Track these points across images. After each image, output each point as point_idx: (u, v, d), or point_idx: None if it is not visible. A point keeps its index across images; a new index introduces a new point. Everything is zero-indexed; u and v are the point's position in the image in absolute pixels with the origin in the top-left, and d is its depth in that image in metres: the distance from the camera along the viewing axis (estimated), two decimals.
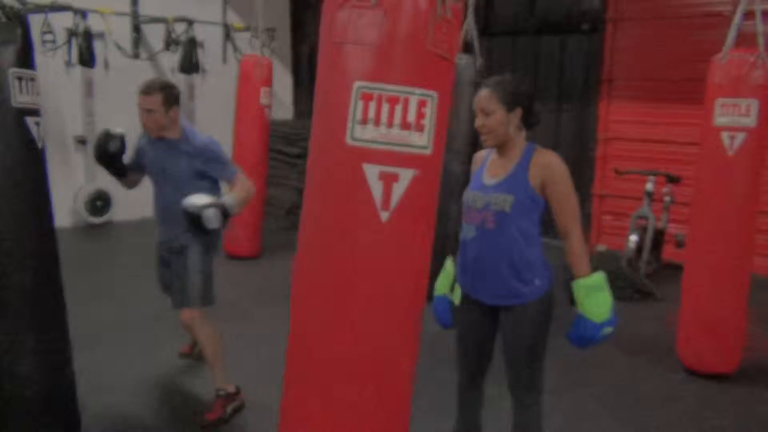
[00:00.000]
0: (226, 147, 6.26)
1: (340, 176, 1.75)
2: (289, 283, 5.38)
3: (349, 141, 1.71)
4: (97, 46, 6.81)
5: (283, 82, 8.93)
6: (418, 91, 1.70)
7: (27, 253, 2.56)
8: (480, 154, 2.59)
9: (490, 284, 2.42)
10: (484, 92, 2.37)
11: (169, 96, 3.21)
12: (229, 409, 3.33)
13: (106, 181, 7.25)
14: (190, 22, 7.23)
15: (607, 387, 3.84)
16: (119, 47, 6.95)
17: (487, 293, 2.44)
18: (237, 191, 3.22)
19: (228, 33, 8.04)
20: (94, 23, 6.70)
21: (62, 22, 6.54)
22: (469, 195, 2.45)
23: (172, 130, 3.25)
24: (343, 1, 1.72)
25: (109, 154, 3.30)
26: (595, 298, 2.29)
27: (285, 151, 7.89)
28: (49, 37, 6.39)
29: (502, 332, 2.49)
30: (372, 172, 1.71)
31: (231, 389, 3.38)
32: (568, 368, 3.90)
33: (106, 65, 6.90)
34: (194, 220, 2.99)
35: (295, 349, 1.92)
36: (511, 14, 7.59)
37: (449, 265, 2.58)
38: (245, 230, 6.17)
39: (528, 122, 2.41)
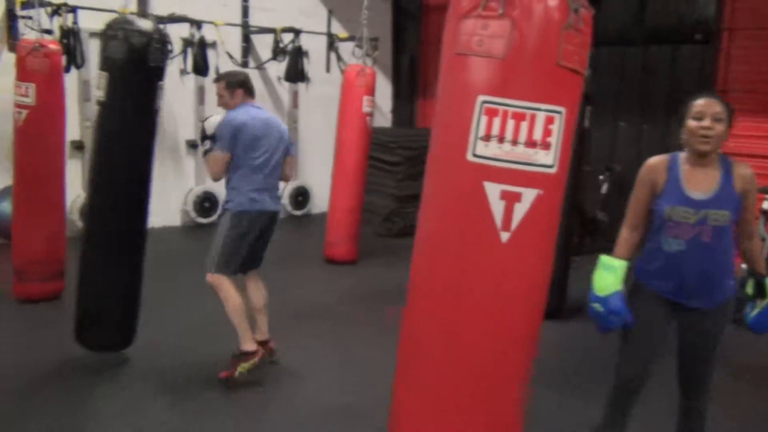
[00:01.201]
0: (328, 153, 6.47)
1: (459, 194, 1.68)
2: (385, 288, 5.43)
3: (470, 157, 1.64)
4: (210, 55, 7.11)
5: (383, 90, 9.02)
6: (545, 107, 1.61)
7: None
8: (657, 165, 2.60)
9: (701, 290, 2.52)
10: (714, 100, 2.47)
11: (231, 82, 3.80)
12: (242, 368, 3.62)
13: (214, 183, 7.59)
14: (297, 32, 7.43)
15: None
16: (230, 56, 7.23)
17: (697, 298, 2.53)
18: (209, 156, 3.74)
19: (332, 43, 8.21)
20: (208, 34, 6.99)
21: (179, 32, 6.87)
22: (678, 210, 2.46)
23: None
24: (468, 10, 1.64)
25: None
26: None
27: (383, 158, 7.96)
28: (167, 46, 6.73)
29: (692, 332, 2.60)
30: (493, 190, 1.63)
31: (248, 348, 3.67)
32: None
33: (218, 73, 7.19)
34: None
35: (406, 365, 1.89)
36: (620, 23, 7.35)
37: (619, 264, 2.56)
38: (343, 235, 6.27)
39: None
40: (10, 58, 5.67)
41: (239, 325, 3.69)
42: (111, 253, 3.71)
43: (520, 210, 1.65)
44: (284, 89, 8.16)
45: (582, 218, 6.68)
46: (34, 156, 4.59)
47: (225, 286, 3.66)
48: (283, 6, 7.99)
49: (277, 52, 7.51)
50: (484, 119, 1.63)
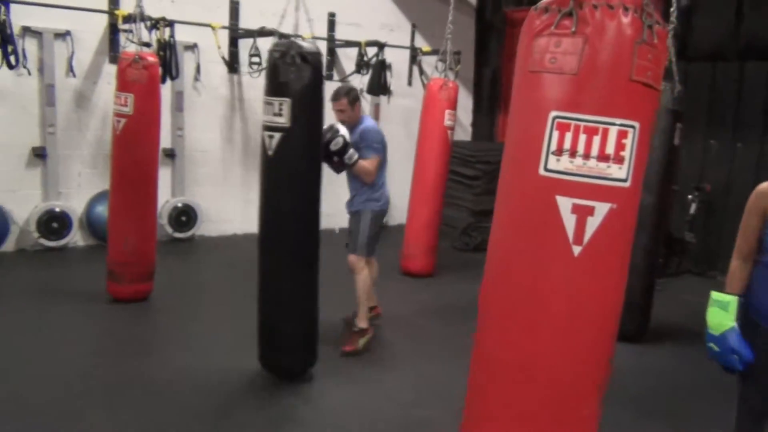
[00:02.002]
0: (407, 166, 6.52)
1: (531, 207, 1.70)
2: (461, 303, 5.38)
3: (542, 172, 1.66)
4: None
5: (464, 104, 9.02)
6: (618, 121, 1.61)
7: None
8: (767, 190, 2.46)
9: None
10: None
11: (351, 98, 4.37)
12: (362, 342, 4.30)
13: None
14: (381, 46, 7.54)
15: None
16: None
17: None
18: (362, 162, 4.25)
19: (415, 56, 8.29)
20: None
21: (268, 45, 7.09)
22: None
23: (356, 121, 4.41)
24: (541, 28, 1.67)
25: (328, 148, 4.13)
26: None
27: (462, 172, 7.94)
28: (255, 59, 6.99)
29: None
30: (565, 204, 1.64)
31: (364, 325, 4.36)
32: None
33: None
34: (331, 133, 4.10)
35: (478, 380, 1.89)
36: (713, 39, 7.07)
37: (730, 299, 2.42)
38: (420, 248, 6.29)
39: None
40: (112, 69, 6.06)
41: (364, 303, 4.38)
42: (290, 276, 3.72)
43: (592, 224, 1.65)
44: (366, 102, 8.28)
45: (668, 239, 6.45)
46: (130, 163, 4.85)
47: (365, 269, 4.38)
48: (368, 20, 8.13)
49: (361, 65, 7.63)
50: (555, 134, 1.65)
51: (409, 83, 8.50)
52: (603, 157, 1.63)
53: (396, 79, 8.04)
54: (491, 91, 9.42)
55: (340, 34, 7.96)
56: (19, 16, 5.74)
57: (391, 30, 8.28)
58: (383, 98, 8.10)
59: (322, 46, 7.84)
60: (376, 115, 8.33)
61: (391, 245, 6.92)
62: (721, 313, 2.37)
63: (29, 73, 6.01)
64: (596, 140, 1.61)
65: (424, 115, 6.31)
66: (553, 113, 1.65)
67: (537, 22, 1.70)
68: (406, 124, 8.26)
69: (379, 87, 7.69)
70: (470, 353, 1.98)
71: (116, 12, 6.07)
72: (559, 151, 1.64)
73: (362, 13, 8.11)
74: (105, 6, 6.31)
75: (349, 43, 7.82)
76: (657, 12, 1.62)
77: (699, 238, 6.89)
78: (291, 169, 3.63)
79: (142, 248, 4.98)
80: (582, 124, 1.62)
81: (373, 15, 8.21)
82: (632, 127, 1.64)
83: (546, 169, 1.66)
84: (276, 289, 3.75)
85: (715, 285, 2.53)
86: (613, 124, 1.62)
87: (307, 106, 3.60)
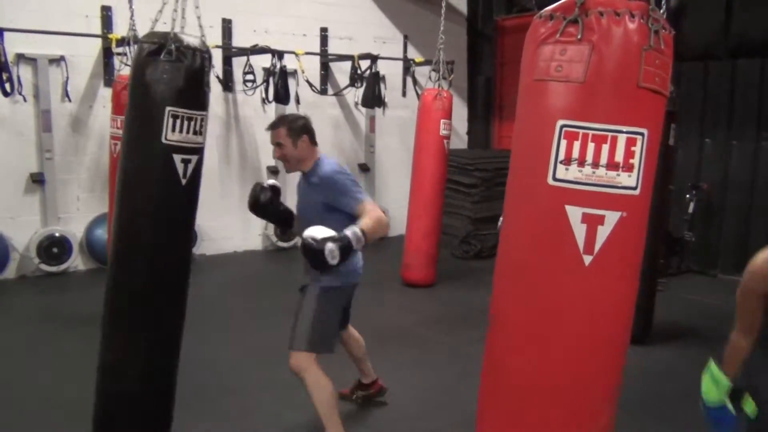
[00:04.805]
0: (404, 176, 6.53)
1: (540, 217, 1.68)
2: (463, 312, 5.36)
3: (550, 181, 1.64)
4: (290, 83, 7.33)
5: (459, 113, 9.05)
6: (626, 129, 1.60)
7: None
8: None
9: None
10: None
11: (294, 127, 3.07)
12: None
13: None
14: (374, 59, 7.56)
15: None
16: (310, 84, 7.43)
17: None
18: (364, 222, 2.79)
19: (408, 67, 8.33)
20: (289, 63, 7.21)
21: (261, 62, 7.13)
22: None
23: (307, 163, 3.11)
24: (546, 36, 1.65)
25: (259, 204, 3.36)
26: None
27: (460, 180, 7.96)
28: (249, 77, 7.00)
29: None
30: (575, 214, 1.62)
31: None
32: None
33: (298, 101, 7.39)
34: (313, 254, 2.62)
35: (491, 392, 1.88)
36: (704, 37, 7.10)
37: (725, 383, 2.13)
38: (421, 258, 6.29)
39: None
40: (107, 93, 6.07)
41: (330, 419, 2.99)
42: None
43: (603, 233, 1.64)
44: (361, 114, 8.31)
45: (668, 239, 6.46)
46: None
47: (314, 370, 2.98)
48: (361, 33, 8.17)
49: (355, 78, 7.65)
50: (563, 143, 1.63)
51: (404, 94, 8.54)
52: (612, 166, 1.61)
53: (390, 90, 8.07)
54: (485, 98, 9.46)
55: (333, 48, 8.00)
56: (13, 44, 5.75)
57: (384, 42, 8.32)
58: (378, 110, 8.12)
59: (316, 61, 7.87)
60: (372, 128, 8.35)
61: (391, 256, 6.93)
62: (714, 389, 2.13)
63: (25, 100, 6.01)
64: (605, 148, 1.60)
65: (420, 125, 6.33)
66: (561, 122, 1.63)
67: (542, 30, 1.68)
68: (401, 135, 8.29)
69: (374, 99, 7.71)
70: (474, 363, 1.97)
71: (110, 36, 6.08)
72: (568, 161, 1.62)
73: (354, 27, 8.14)
74: (98, 30, 6.33)
75: (342, 57, 7.84)
76: (664, 18, 1.61)
77: (698, 236, 6.91)
78: (195, 200, 2.93)
79: None
80: (590, 132, 1.61)
81: (365, 28, 8.25)
82: (641, 134, 1.63)
83: (555, 179, 1.65)
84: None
85: (715, 283, 2.44)
86: (621, 131, 1.61)
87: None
